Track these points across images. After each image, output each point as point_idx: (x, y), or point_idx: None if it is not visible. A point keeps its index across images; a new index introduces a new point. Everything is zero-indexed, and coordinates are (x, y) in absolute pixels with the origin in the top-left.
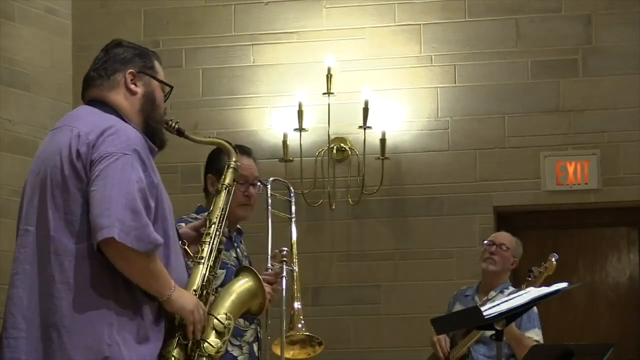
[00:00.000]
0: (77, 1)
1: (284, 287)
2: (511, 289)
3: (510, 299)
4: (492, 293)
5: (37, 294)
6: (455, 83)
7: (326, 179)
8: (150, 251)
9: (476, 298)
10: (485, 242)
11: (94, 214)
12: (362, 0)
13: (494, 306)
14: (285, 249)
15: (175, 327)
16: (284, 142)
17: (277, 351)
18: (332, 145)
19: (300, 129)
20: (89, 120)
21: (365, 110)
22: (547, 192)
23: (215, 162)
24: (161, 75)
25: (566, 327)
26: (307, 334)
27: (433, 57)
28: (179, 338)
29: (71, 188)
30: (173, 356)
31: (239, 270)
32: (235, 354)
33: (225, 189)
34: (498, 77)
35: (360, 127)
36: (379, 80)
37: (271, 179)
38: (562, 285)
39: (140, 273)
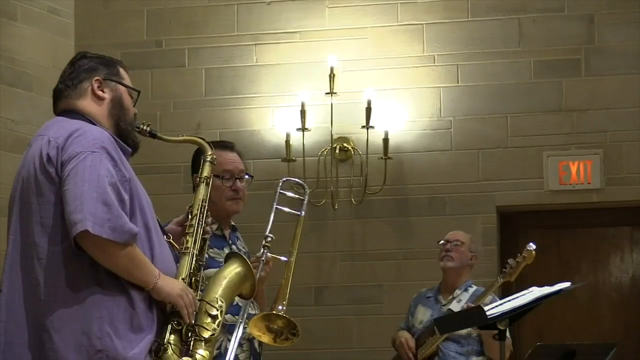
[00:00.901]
0: (80, 1)
1: (259, 270)
2: (475, 287)
3: (513, 299)
4: (457, 291)
5: (26, 299)
6: (457, 83)
7: (329, 179)
8: (127, 241)
9: (439, 298)
10: (440, 242)
11: (68, 211)
12: (364, 0)
13: (497, 306)
14: (271, 235)
15: (168, 314)
16: (287, 141)
17: (253, 330)
18: (334, 145)
19: (303, 129)
20: (58, 126)
21: (368, 110)
22: (550, 191)
23: (198, 162)
24: (127, 81)
25: (569, 326)
26: (285, 315)
27: (435, 56)
28: (172, 324)
29: (45, 191)
30: (169, 342)
31: (227, 256)
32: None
33: (203, 181)
34: (501, 76)
35: (363, 126)
36: (381, 80)
37: (283, 179)
38: (565, 285)
39: (121, 264)
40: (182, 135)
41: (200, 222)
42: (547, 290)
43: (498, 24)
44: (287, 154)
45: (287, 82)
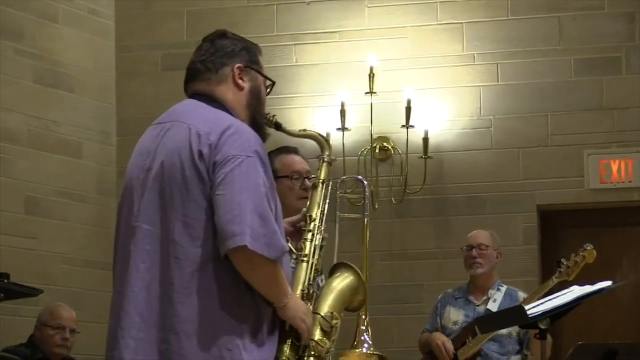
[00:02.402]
0: (120, 2)
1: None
2: (505, 286)
3: (554, 298)
4: (492, 291)
5: (156, 295)
6: (497, 81)
7: (369, 178)
8: (278, 257)
9: (471, 298)
10: (464, 248)
11: (224, 219)
12: None
13: (537, 305)
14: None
15: (286, 330)
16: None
17: None
18: (374, 145)
19: (343, 129)
20: (203, 116)
21: (408, 110)
22: (591, 190)
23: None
24: (264, 69)
25: (610, 326)
26: (376, 353)
27: (475, 55)
28: (292, 340)
29: (193, 189)
30: (287, 357)
31: (336, 266)
32: None
33: (322, 183)
34: (541, 75)
35: (403, 126)
36: (421, 79)
37: (342, 178)
38: (606, 283)
39: (265, 279)
40: (304, 130)
41: (320, 228)
42: (588, 289)
43: (538, 22)
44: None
45: (327, 81)
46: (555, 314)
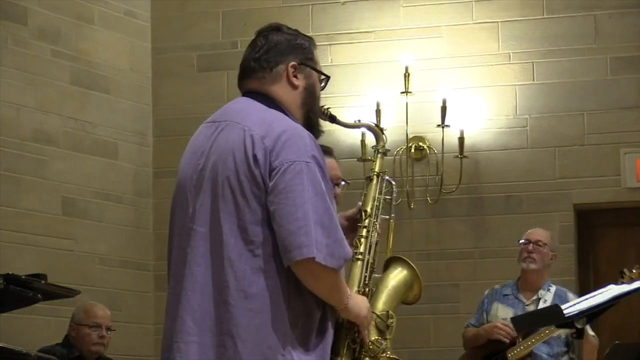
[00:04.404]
0: (156, 3)
1: None
2: (554, 286)
3: (591, 297)
4: (542, 292)
5: (210, 299)
6: (533, 80)
7: (405, 178)
8: (341, 266)
9: (520, 296)
10: (521, 241)
11: (288, 230)
12: None
13: (573, 305)
14: None
15: (344, 330)
16: (362, 141)
17: None
18: (410, 144)
19: None
20: (258, 117)
21: (443, 109)
22: (627, 189)
23: None
24: (319, 64)
25: None
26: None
27: (511, 54)
28: (348, 342)
29: (247, 194)
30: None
31: (389, 260)
32: None
33: (377, 176)
34: (577, 74)
35: (439, 125)
36: (456, 78)
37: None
38: None
39: (327, 288)
40: (359, 121)
41: (375, 224)
42: (625, 288)
43: (574, 20)
44: (362, 153)
45: (362, 81)
46: (591, 313)
